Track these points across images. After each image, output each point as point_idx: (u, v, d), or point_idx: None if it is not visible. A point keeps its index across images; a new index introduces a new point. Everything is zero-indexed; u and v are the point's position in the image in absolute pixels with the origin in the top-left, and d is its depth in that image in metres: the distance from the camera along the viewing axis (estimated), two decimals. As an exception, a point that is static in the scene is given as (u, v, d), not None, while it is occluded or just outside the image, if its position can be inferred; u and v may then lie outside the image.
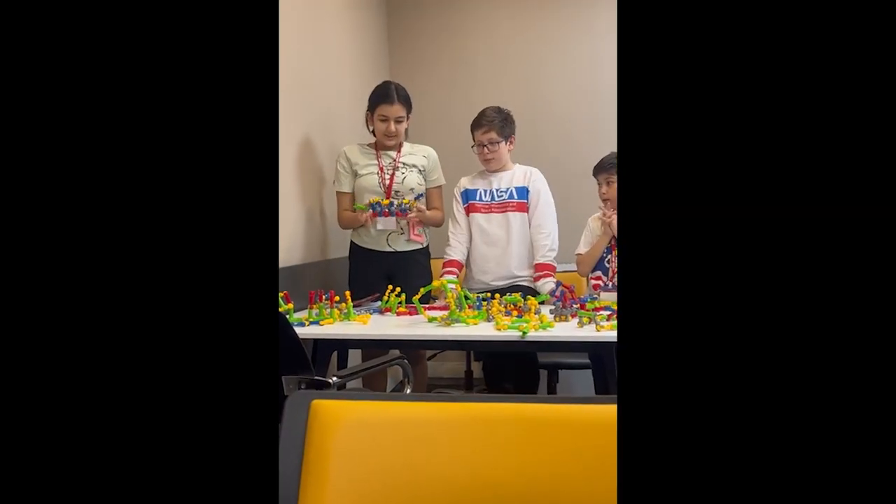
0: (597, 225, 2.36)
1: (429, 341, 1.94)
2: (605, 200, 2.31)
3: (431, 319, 1.96)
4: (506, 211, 2.47)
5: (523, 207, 2.47)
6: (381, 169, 2.44)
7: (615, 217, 2.27)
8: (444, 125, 3.36)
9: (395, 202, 2.40)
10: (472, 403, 0.87)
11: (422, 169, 2.48)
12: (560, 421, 0.84)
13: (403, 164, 2.46)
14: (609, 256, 2.32)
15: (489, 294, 2.16)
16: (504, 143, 2.45)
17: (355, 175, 2.46)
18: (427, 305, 2.19)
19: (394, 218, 2.40)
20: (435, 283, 2.10)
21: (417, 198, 2.44)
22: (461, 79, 3.57)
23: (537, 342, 1.85)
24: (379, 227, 2.42)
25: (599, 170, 2.33)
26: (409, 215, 2.38)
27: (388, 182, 2.43)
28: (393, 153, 2.47)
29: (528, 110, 3.15)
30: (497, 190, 2.49)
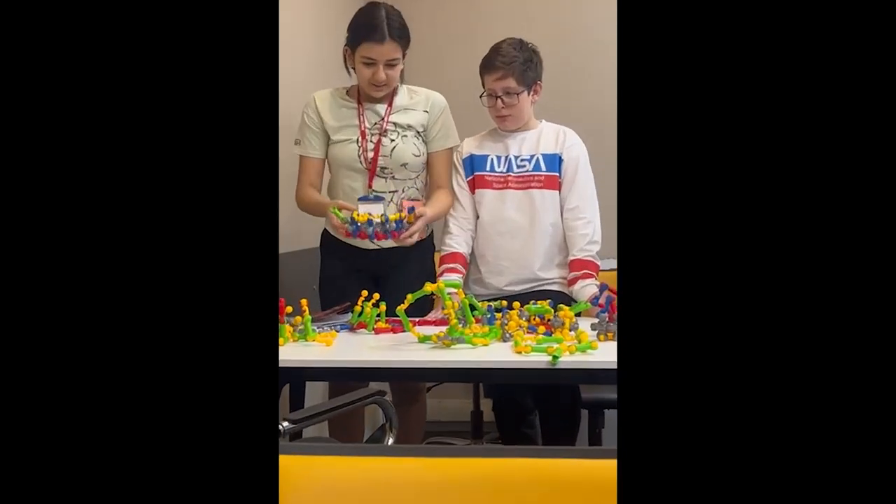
0: None
1: (419, 370, 1.90)
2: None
3: (423, 339, 1.95)
4: (529, 187, 2.43)
5: (553, 183, 2.43)
6: (363, 133, 2.39)
7: None
8: (438, 65, 3.33)
9: (379, 219, 2.26)
10: (480, 459, 0.88)
11: (421, 130, 2.43)
12: (604, 482, 0.83)
13: (395, 124, 2.41)
14: None
15: (504, 303, 2.14)
16: (526, 92, 2.42)
17: (327, 138, 2.42)
18: (417, 319, 2.16)
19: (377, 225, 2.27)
20: (428, 287, 2.05)
21: (411, 210, 2.32)
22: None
23: (573, 370, 1.82)
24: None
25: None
26: (404, 236, 2.26)
27: (371, 154, 2.38)
28: (382, 107, 2.42)
29: (554, 49, 3.08)
30: (517, 157, 2.45)
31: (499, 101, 2.41)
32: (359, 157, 2.39)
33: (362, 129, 2.40)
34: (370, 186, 2.39)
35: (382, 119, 2.41)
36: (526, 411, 2.47)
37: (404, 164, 2.40)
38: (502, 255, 2.45)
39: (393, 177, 2.41)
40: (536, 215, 2.43)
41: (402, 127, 2.41)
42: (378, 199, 2.35)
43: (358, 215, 2.24)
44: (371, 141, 2.39)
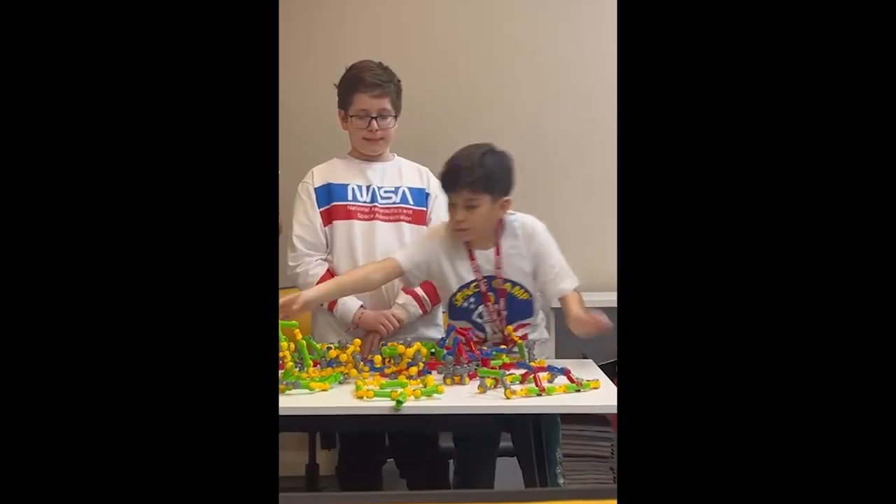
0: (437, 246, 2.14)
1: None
2: (461, 230, 2.07)
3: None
4: (398, 219, 2.29)
5: (421, 218, 2.31)
6: None
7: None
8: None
9: None
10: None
11: None
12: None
13: None
14: (481, 309, 2.12)
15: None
16: (395, 119, 2.28)
17: None
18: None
19: None
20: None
21: None
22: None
23: (418, 416, 1.74)
24: None
25: (456, 182, 2.02)
26: None
27: None
28: None
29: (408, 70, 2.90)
30: (380, 188, 2.31)
31: (374, 122, 2.24)
32: None
33: None
34: None
35: None
36: (370, 463, 2.31)
37: None
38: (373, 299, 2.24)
39: None
40: None
41: None
42: None
43: None
44: None
